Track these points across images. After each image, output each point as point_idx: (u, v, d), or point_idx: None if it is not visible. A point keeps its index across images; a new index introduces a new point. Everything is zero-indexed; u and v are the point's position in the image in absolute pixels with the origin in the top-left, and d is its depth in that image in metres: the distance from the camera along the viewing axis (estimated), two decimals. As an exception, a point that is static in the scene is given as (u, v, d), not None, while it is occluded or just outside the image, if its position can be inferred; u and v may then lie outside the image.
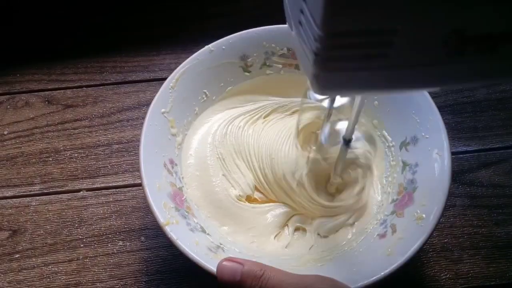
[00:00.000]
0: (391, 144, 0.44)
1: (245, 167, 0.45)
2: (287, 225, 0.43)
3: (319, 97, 0.38)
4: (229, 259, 0.32)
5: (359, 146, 0.39)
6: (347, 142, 0.35)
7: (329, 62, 0.21)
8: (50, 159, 0.52)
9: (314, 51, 0.21)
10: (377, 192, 0.44)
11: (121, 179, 0.50)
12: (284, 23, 0.46)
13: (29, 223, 0.48)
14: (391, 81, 0.22)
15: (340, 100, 0.36)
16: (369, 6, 0.19)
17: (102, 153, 0.52)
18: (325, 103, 0.37)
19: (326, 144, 0.37)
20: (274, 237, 0.42)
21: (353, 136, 0.35)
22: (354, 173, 0.42)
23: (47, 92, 0.58)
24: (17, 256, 0.46)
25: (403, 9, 0.19)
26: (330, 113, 0.38)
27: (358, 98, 0.30)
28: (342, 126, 0.36)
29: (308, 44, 0.21)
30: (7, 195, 0.50)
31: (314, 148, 0.41)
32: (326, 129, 0.37)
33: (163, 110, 0.43)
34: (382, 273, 0.33)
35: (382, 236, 0.38)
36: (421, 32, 0.20)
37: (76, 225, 0.48)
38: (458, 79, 0.23)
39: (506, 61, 0.22)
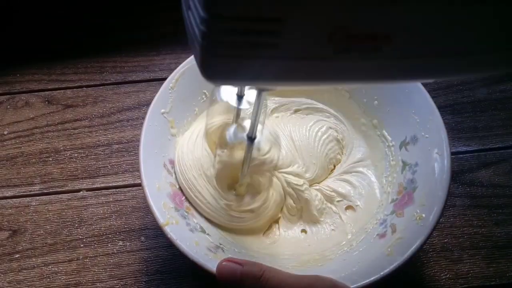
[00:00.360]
0: (391, 144, 0.44)
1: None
2: (277, 223, 0.44)
3: (225, 97, 0.37)
4: (228, 260, 0.33)
5: (262, 146, 0.39)
6: (251, 139, 0.34)
7: (215, 48, 0.21)
8: (50, 159, 0.52)
9: (200, 35, 0.20)
10: (376, 192, 0.44)
11: (121, 179, 0.50)
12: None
13: (29, 223, 0.48)
14: (280, 73, 0.22)
15: (247, 102, 0.36)
16: None
17: (102, 153, 0.52)
18: (233, 103, 0.37)
19: (230, 141, 0.37)
20: (263, 234, 0.43)
21: (258, 134, 0.34)
22: (262, 178, 0.42)
23: (47, 92, 0.58)
24: (17, 256, 0.46)
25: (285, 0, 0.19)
26: (238, 113, 0.38)
27: (258, 96, 0.30)
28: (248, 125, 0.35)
29: (196, 28, 0.21)
30: (7, 195, 0.50)
31: (220, 150, 0.41)
32: (232, 128, 0.37)
33: (163, 110, 0.43)
34: (382, 273, 0.33)
35: (382, 236, 0.38)
36: (308, 25, 0.20)
37: (76, 225, 0.48)
38: (345, 76, 0.23)
39: (390, 62, 0.22)
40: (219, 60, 0.21)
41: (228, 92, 0.36)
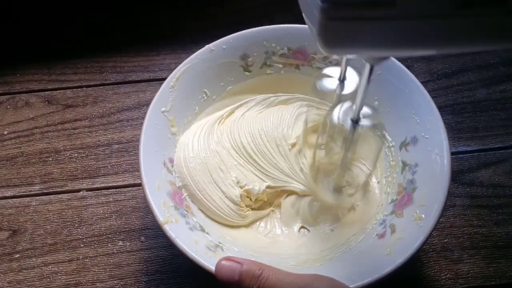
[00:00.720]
0: (391, 144, 0.44)
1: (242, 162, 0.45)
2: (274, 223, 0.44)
3: (329, 86, 0.37)
4: (228, 258, 0.33)
5: (365, 123, 0.39)
6: (355, 121, 0.34)
7: (336, 10, 0.21)
8: (50, 159, 0.52)
9: None
10: (376, 192, 0.44)
11: (121, 179, 0.50)
12: (284, 23, 0.47)
13: (29, 223, 0.48)
14: (397, 35, 0.22)
15: (348, 88, 0.36)
16: None
17: (102, 153, 0.52)
18: (334, 93, 0.37)
19: (338, 123, 0.36)
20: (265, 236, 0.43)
21: (361, 115, 0.34)
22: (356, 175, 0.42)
23: (47, 92, 0.58)
24: (17, 256, 0.46)
25: None
26: (339, 99, 0.38)
27: (368, 73, 0.30)
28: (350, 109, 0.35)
29: None
30: (7, 195, 0.50)
31: (321, 138, 0.41)
32: (336, 110, 0.36)
33: (163, 109, 0.43)
34: (381, 273, 0.33)
35: (381, 236, 0.38)
36: None
37: (76, 225, 0.48)
38: (464, 36, 0.22)
39: None
40: (339, 24, 0.21)
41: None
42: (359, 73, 0.38)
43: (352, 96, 0.37)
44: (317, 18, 0.21)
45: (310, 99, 0.48)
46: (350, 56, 0.35)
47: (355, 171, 0.43)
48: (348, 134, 0.35)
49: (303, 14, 0.24)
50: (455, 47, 0.23)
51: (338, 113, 0.35)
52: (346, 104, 0.35)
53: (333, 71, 0.39)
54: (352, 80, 0.37)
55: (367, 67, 0.29)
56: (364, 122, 0.34)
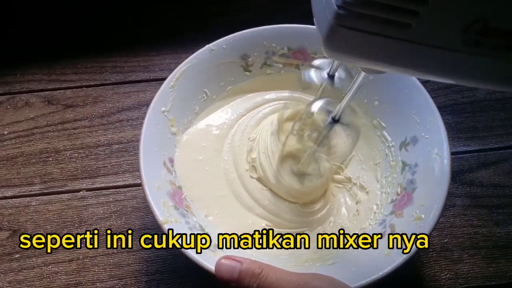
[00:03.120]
0: (391, 144, 0.44)
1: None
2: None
3: (315, 78, 0.37)
4: (227, 257, 0.33)
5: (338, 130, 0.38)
6: (334, 120, 0.34)
7: (350, 18, 0.20)
8: (50, 159, 0.52)
9: (338, 3, 0.20)
10: (376, 192, 0.44)
11: (121, 179, 0.50)
12: (284, 23, 0.47)
13: (29, 223, 0.48)
14: (405, 56, 0.22)
15: (336, 84, 0.36)
16: None
17: (102, 153, 0.52)
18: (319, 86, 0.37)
19: (314, 112, 0.36)
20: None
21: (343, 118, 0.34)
22: (321, 166, 0.42)
23: (47, 92, 0.58)
24: (17, 256, 0.46)
25: None
26: (324, 89, 0.37)
27: (361, 78, 0.30)
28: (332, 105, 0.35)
29: None
30: (7, 195, 0.50)
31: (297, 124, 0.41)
32: (318, 103, 0.36)
33: (163, 109, 0.43)
34: (381, 273, 0.33)
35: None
36: (448, 10, 0.19)
37: (76, 225, 0.48)
38: (469, 72, 0.23)
39: None
40: (349, 32, 0.21)
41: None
42: (349, 72, 0.38)
43: (336, 93, 0.36)
44: (329, 21, 0.21)
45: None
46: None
47: (322, 164, 0.43)
48: (323, 129, 0.35)
49: (313, 11, 0.24)
50: (459, 80, 0.24)
51: (319, 106, 0.35)
52: (329, 100, 0.35)
53: (323, 64, 0.38)
54: (341, 77, 0.37)
55: (362, 74, 0.29)
56: (343, 122, 0.34)
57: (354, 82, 0.30)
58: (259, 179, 0.44)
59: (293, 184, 0.42)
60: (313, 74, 0.38)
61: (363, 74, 0.29)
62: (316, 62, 0.39)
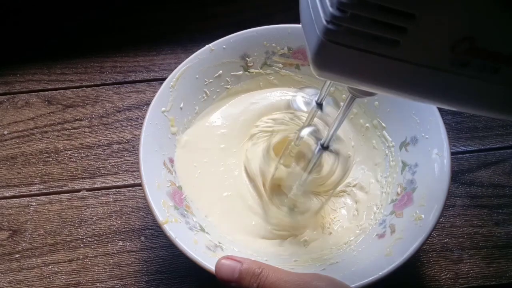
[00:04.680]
0: (391, 145, 0.44)
1: None
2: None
3: (302, 106, 0.37)
4: (227, 257, 0.32)
5: (328, 162, 0.38)
6: (323, 147, 0.34)
7: (339, 34, 0.20)
8: (50, 159, 0.52)
9: (327, 18, 0.20)
10: (376, 192, 0.44)
11: (121, 179, 0.50)
12: (284, 23, 0.47)
13: (29, 223, 0.48)
14: (392, 75, 0.22)
15: (325, 110, 0.36)
16: None
17: (102, 153, 0.52)
18: (308, 110, 0.37)
19: (303, 137, 0.37)
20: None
21: (332, 145, 0.34)
22: (313, 202, 0.42)
23: (47, 92, 0.58)
24: (17, 256, 0.46)
25: None
26: (313, 116, 0.38)
27: (349, 102, 0.30)
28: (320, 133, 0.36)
29: (322, 10, 0.21)
30: (7, 195, 0.50)
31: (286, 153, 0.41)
32: (306, 131, 0.37)
33: (163, 109, 0.43)
34: (381, 273, 0.33)
35: (381, 236, 0.38)
36: (435, 28, 0.19)
37: (76, 225, 0.48)
38: (457, 95, 0.23)
39: (503, 88, 0.21)
40: (338, 49, 0.21)
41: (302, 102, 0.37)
42: (336, 101, 0.38)
43: (325, 121, 0.37)
44: (318, 36, 0.21)
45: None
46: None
47: (311, 197, 0.43)
48: (313, 156, 0.35)
49: (301, 23, 0.24)
50: (449, 104, 0.23)
51: (308, 132, 0.36)
52: (317, 128, 0.36)
53: (311, 92, 0.39)
54: (330, 104, 0.37)
55: (349, 98, 0.29)
56: (332, 150, 0.34)
57: (342, 110, 0.30)
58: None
59: (282, 215, 0.42)
60: (301, 101, 0.38)
61: (350, 98, 0.29)
62: (305, 90, 0.39)
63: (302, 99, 0.38)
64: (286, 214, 0.42)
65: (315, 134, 0.36)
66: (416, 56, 0.21)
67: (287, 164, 0.41)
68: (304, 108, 0.38)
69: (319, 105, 0.37)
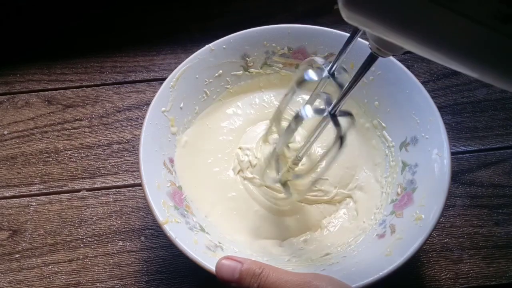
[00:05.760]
0: (391, 145, 0.44)
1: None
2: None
3: (313, 76, 0.36)
4: (228, 257, 0.32)
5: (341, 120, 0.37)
6: (332, 116, 0.32)
7: None
8: (50, 159, 0.52)
9: None
10: (376, 192, 0.44)
11: (121, 179, 0.50)
12: (284, 23, 0.47)
13: (29, 223, 0.48)
14: (424, 21, 0.20)
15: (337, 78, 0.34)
16: None
17: (102, 153, 0.52)
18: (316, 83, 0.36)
19: (306, 116, 0.34)
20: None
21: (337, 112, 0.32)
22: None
23: (47, 92, 0.58)
24: (17, 256, 0.46)
25: None
26: (323, 85, 0.36)
27: (369, 61, 0.28)
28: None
29: None
30: (7, 195, 0.50)
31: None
32: (308, 105, 0.34)
33: (163, 109, 0.43)
34: (381, 273, 0.33)
35: (381, 236, 0.38)
36: None
37: (76, 225, 0.48)
38: (487, 55, 0.20)
39: None
40: None
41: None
42: (347, 71, 0.37)
43: (336, 90, 0.34)
44: None
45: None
46: (365, 29, 0.31)
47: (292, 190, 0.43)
48: (316, 127, 0.34)
49: None
50: (476, 66, 0.21)
51: (307, 108, 0.34)
52: (324, 97, 0.34)
53: (322, 61, 0.36)
54: (340, 73, 0.36)
55: (369, 58, 0.27)
56: (340, 118, 0.32)
57: (358, 71, 0.29)
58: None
59: (272, 183, 0.42)
60: (312, 71, 0.37)
61: (368, 60, 0.27)
62: (316, 59, 0.38)
63: (312, 70, 0.37)
64: (281, 188, 0.42)
65: (320, 105, 0.34)
66: (460, 2, 0.18)
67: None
68: (315, 78, 0.36)
69: (331, 75, 0.35)
